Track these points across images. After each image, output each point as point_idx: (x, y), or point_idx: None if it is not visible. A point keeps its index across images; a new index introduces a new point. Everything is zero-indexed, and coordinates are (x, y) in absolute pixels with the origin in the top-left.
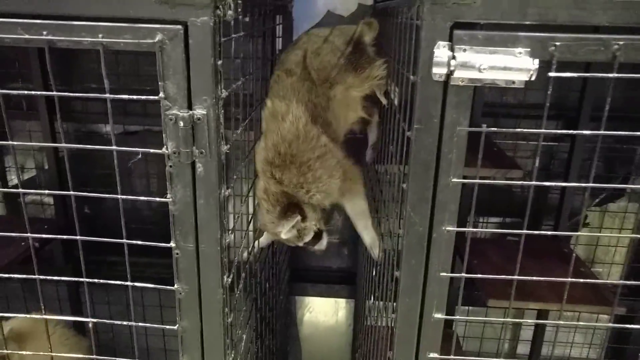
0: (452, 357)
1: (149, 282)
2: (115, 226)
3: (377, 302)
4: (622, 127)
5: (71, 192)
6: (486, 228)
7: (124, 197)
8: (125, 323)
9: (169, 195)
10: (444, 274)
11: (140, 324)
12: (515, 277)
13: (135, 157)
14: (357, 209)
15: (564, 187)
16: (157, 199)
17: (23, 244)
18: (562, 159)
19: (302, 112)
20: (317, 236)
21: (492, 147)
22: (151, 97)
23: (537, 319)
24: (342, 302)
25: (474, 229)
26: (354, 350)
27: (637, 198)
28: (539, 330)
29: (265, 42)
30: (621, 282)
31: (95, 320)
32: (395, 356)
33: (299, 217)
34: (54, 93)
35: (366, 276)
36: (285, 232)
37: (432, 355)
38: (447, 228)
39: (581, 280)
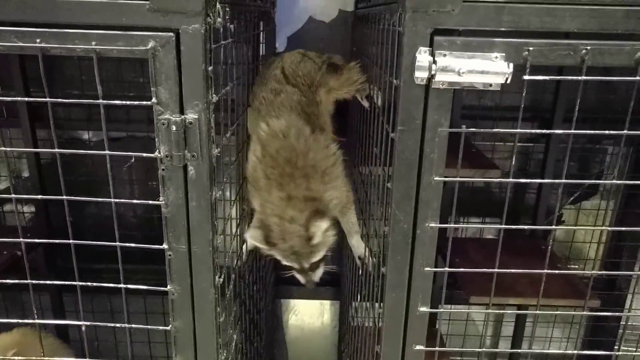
0: (437, 348)
1: (135, 290)
2: (98, 234)
3: (363, 303)
4: (595, 127)
5: (64, 197)
6: (468, 221)
7: (117, 200)
8: (119, 325)
9: (161, 198)
10: (428, 268)
11: (134, 325)
12: (495, 270)
13: (128, 161)
14: (351, 222)
15: (540, 187)
16: (151, 202)
17: (5, 252)
18: (537, 160)
19: (302, 124)
20: (317, 263)
21: (470, 149)
22: (144, 102)
23: (517, 315)
24: (327, 304)
25: (456, 225)
26: (340, 352)
27: (610, 196)
28: (519, 326)
29: (250, 47)
30: (595, 272)
31: (87, 323)
32: (382, 349)
33: (329, 222)
34: (48, 99)
35: (351, 277)
36: (318, 237)
37: (417, 347)
38: (431, 225)
39: (556, 272)
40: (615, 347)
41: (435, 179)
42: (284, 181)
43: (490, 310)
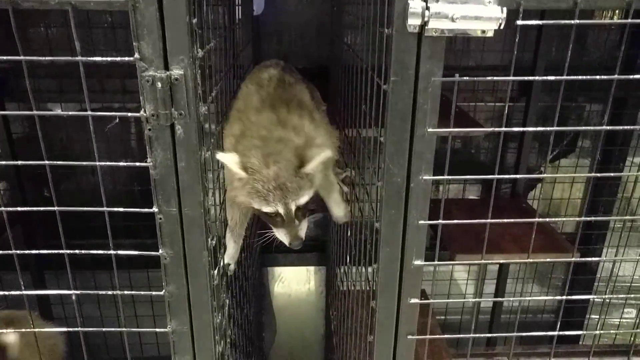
0: (430, 300)
1: (119, 264)
2: (78, 201)
3: (352, 267)
4: (572, 86)
5: (46, 162)
6: (448, 191)
7: (102, 163)
8: (110, 292)
9: (149, 160)
10: (422, 222)
11: (126, 292)
12: (488, 220)
13: (112, 122)
14: (330, 179)
15: (520, 146)
16: (138, 163)
17: None
18: (518, 120)
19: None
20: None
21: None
22: (126, 58)
23: (498, 272)
24: (313, 270)
25: (450, 177)
26: (328, 317)
27: (587, 154)
28: (500, 284)
29: (226, 10)
30: (581, 218)
31: (78, 292)
32: (377, 304)
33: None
34: (22, 57)
35: (338, 241)
36: (314, 164)
37: (412, 300)
38: (424, 177)
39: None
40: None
41: (428, 130)
42: (278, 105)
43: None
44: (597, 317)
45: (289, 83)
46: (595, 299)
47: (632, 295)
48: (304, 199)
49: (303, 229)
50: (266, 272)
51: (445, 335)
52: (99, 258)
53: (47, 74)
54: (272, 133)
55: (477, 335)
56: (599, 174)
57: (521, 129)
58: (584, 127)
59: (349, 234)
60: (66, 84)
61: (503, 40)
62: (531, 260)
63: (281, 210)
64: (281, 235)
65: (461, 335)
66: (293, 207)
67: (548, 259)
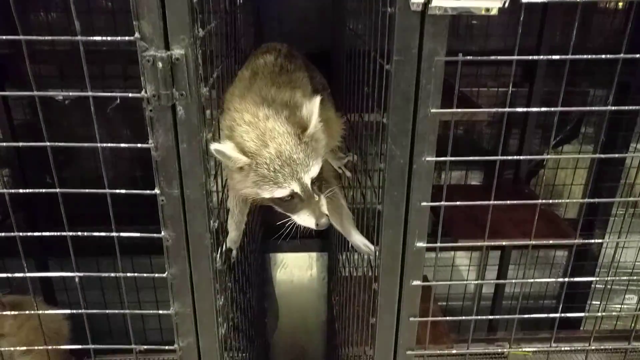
0: (432, 282)
1: (122, 251)
2: (77, 196)
3: (353, 253)
4: (576, 70)
5: (47, 144)
6: (450, 178)
7: (104, 145)
8: (113, 275)
9: (150, 141)
10: (425, 203)
11: (129, 274)
12: (492, 202)
13: (114, 102)
14: (341, 204)
15: (523, 132)
16: (139, 145)
17: None
18: (521, 105)
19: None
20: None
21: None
22: (127, 37)
23: (500, 259)
24: (315, 256)
25: (452, 158)
26: (330, 302)
27: (590, 140)
28: (501, 270)
29: None
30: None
31: (81, 274)
32: (380, 287)
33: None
34: (21, 37)
35: None
36: (315, 118)
37: (415, 282)
38: (427, 159)
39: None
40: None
41: (432, 111)
42: (274, 77)
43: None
44: (599, 303)
45: (287, 70)
46: (596, 285)
47: (635, 278)
48: (315, 169)
49: (324, 204)
50: (268, 259)
51: (447, 318)
52: (102, 244)
53: (48, 60)
54: (258, 115)
55: (479, 317)
56: (602, 155)
57: (525, 109)
58: (588, 108)
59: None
60: (67, 70)
61: (506, 26)
62: (534, 242)
63: (297, 189)
64: (304, 219)
65: (462, 318)
66: (308, 181)
67: (550, 242)
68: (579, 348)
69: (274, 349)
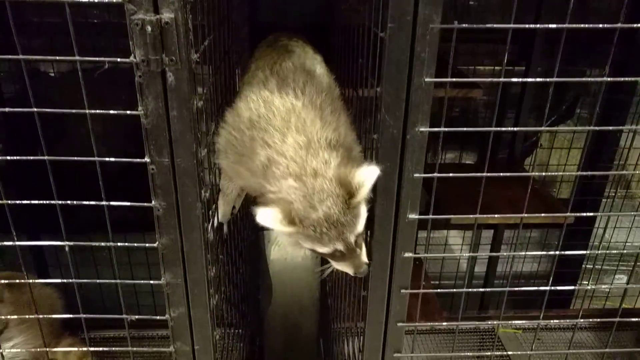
0: (425, 254)
1: (115, 228)
2: (71, 171)
3: None
4: (574, 48)
5: (34, 109)
6: (444, 158)
7: (93, 111)
8: (103, 244)
9: (140, 108)
10: (417, 175)
11: (119, 244)
12: (485, 174)
13: (102, 67)
14: None
15: (519, 112)
16: (129, 112)
17: None
18: (518, 85)
19: None
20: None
21: (453, 70)
22: (114, 0)
23: (493, 236)
24: None
25: (446, 129)
26: (323, 279)
27: (584, 121)
28: (494, 249)
29: None
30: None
31: (72, 243)
32: (373, 257)
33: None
34: None
35: None
36: (365, 189)
37: (406, 254)
38: (421, 129)
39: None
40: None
41: (426, 80)
42: (314, 102)
43: (478, 215)
44: (588, 282)
45: (324, 91)
46: (586, 266)
47: (625, 252)
48: (361, 226)
49: (364, 253)
50: (262, 236)
51: (439, 290)
52: (95, 222)
53: (38, 32)
54: (306, 169)
55: (470, 290)
56: (597, 127)
57: (521, 79)
58: (584, 79)
59: None
60: (57, 43)
61: (504, 6)
62: (526, 215)
63: (340, 247)
64: (343, 267)
65: (454, 290)
66: (353, 239)
67: (542, 215)
68: (567, 322)
69: (268, 325)
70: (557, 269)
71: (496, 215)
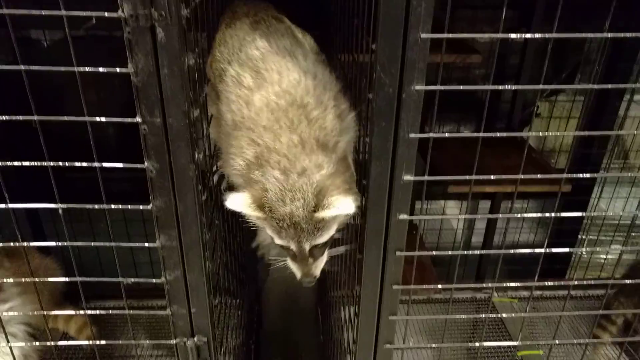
0: (420, 216)
1: (110, 198)
2: (65, 139)
3: None
4: (575, 15)
5: (21, 67)
6: (443, 130)
7: (81, 69)
8: (97, 206)
9: (130, 66)
10: (413, 135)
11: (112, 205)
12: (481, 134)
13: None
14: None
15: (518, 80)
16: (118, 69)
17: None
18: (517, 52)
19: None
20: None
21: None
22: None
23: (490, 207)
24: None
25: (442, 87)
26: None
27: (583, 91)
28: (491, 220)
29: None
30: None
31: (65, 205)
32: (367, 220)
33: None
34: None
35: None
36: (330, 213)
37: (402, 217)
38: (416, 87)
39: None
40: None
41: (422, 36)
42: (295, 117)
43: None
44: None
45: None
46: (582, 237)
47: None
48: (322, 239)
49: (318, 267)
50: None
51: (434, 252)
52: (93, 195)
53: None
54: (296, 166)
55: (465, 252)
56: (597, 85)
57: (521, 35)
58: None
59: None
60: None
61: None
62: (522, 176)
63: (293, 248)
64: (293, 268)
65: (449, 252)
66: (307, 247)
67: (538, 176)
68: (561, 293)
69: (266, 295)
70: (553, 240)
71: (492, 177)
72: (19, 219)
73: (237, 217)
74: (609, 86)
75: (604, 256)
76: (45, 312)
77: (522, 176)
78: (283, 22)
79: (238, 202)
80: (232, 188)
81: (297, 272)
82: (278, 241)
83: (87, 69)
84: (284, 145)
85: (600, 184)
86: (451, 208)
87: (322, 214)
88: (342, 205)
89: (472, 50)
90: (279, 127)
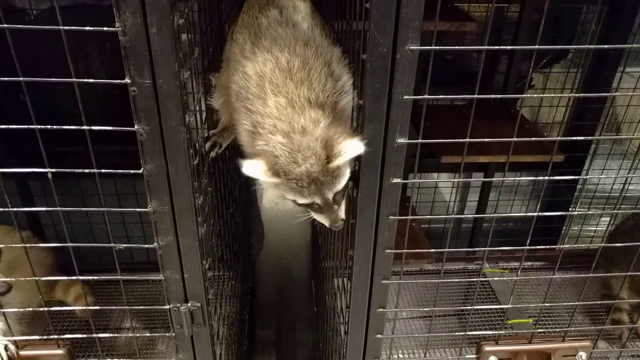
0: (416, 180)
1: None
2: (56, 114)
3: None
4: None
5: (5, 25)
6: (435, 102)
7: (68, 27)
8: (87, 171)
9: (117, 24)
10: (407, 96)
11: (103, 170)
12: (476, 96)
13: None
14: None
15: (512, 53)
16: (106, 28)
17: None
18: (512, 22)
19: None
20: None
21: (446, 4)
22: None
23: (484, 176)
24: None
25: (436, 47)
26: (314, 223)
27: (577, 65)
28: (484, 191)
29: None
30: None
31: (54, 170)
32: (361, 184)
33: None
34: None
35: None
36: (342, 159)
37: (395, 180)
38: (411, 47)
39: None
40: (571, 208)
41: None
42: (280, 81)
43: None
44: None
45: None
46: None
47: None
48: (340, 185)
49: (343, 210)
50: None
51: (427, 217)
52: (83, 166)
53: None
54: (294, 126)
55: (461, 215)
56: (597, 46)
57: None
58: None
59: None
60: None
61: None
62: (516, 139)
63: (318, 201)
64: (320, 219)
65: (443, 216)
66: (330, 196)
67: (533, 138)
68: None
69: (260, 267)
70: (544, 210)
71: (486, 140)
72: (7, 182)
73: (230, 188)
74: (606, 47)
75: (594, 228)
76: (37, 279)
77: (516, 139)
78: None
79: (254, 169)
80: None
81: (326, 221)
82: (302, 201)
83: (73, 27)
84: (273, 109)
85: (592, 156)
86: (443, 182)
87: (336, 162)
88: (351, 149)
89: (467, 17)
90: (264, 93)
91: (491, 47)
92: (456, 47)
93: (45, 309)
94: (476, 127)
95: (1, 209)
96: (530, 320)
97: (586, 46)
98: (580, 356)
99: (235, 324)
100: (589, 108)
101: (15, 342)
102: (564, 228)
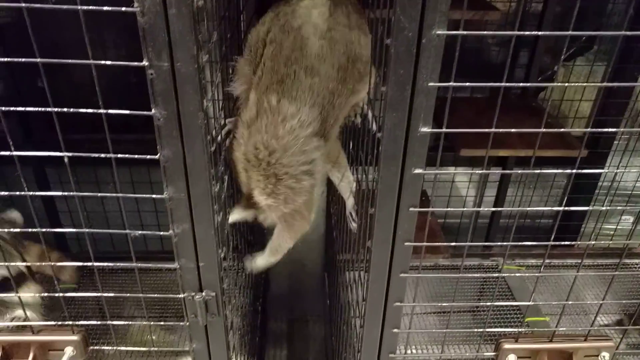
0: (435, 171)
1: (119, 162)
2: (74, 101)
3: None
4: None
5: (23, 4)
6: (454, 93)
7: (86, 7)
8: (103, 155)
9: (136, 4)
10: (433, 84)
11: (119, 155)
12: (503, 84)
13: None
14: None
15: (535, 46)
16: (124, 8)
17: None
18: (536, 13)
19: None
20: None
21: None
22: None
23: (501, 176)
24: None
25: (465, 32)
26: (328, 214)
27: (602, 58)
28: (502, 186)
29: None
30: None
31: (70, 154)
32: (380, 174)
33: None
34: None
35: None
36: None
37: (417, 171)
38: (438, 32)
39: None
40: (591, 205)
41: None
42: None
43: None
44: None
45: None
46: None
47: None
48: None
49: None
50: None
51: (445, 209)
52: (99, 154)
53: None
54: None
55: (478, 209)
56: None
57: None
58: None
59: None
60: None
61: None
62: (534, 129)
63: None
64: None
65: (459, 209)
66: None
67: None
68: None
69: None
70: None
71: (512, 130)
72: (24, 169)
73: None
74: (638, 33)
75: (614, 226)
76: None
77: (543, 130)
78: None
79: None
80: None
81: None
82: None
83: (91, 7)
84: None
85: (614, 152)
86: (461, 175)
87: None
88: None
89: (491, 6)
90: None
91: (521, 32)
92: (485, 32)
93: (61, 294)
94: (497, 121)
95: (18, 193)
96: (547, 318)
97: (618, 32)
98: (603, 357)
99: (249, 314)
100: (613, 103)
101: (30, 327)
102: (583, 226)
